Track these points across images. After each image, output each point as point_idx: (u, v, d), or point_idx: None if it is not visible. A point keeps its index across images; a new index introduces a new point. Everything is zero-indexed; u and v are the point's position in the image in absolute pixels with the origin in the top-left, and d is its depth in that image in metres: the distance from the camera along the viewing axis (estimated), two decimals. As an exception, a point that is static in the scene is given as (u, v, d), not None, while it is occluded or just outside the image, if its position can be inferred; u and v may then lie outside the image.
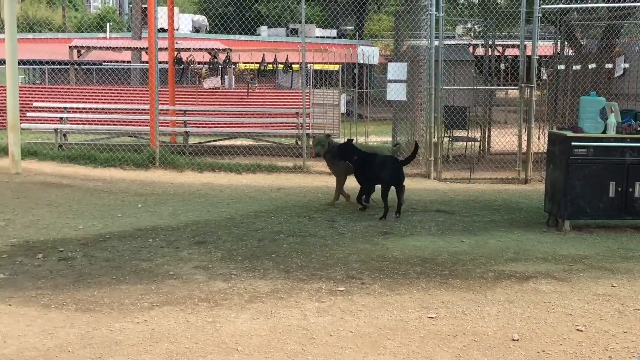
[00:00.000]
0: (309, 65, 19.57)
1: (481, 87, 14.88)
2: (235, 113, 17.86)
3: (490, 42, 15.42)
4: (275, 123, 17.75)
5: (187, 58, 19.62)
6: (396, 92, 12.52)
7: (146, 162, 12.09)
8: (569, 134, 8.10)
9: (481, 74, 16.21)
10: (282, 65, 20.76)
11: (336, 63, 22.73)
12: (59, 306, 5.21)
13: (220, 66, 21.07)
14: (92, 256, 6.58)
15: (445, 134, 13.43)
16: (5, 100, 11.52)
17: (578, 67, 13.73)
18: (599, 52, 14.12)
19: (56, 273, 6.03)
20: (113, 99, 19.86)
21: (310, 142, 10.44)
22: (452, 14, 19.11)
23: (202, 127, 16.78)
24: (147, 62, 16.51)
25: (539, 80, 13.89)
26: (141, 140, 14.55)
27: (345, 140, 9.34)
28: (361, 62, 14.67)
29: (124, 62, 27.39)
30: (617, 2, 13.25)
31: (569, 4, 13.21)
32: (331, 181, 9.64)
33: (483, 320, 5.09)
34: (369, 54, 14.14)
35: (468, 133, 14.22)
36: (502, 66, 15.55)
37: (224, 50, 22.59)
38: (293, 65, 21.28)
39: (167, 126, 15.18)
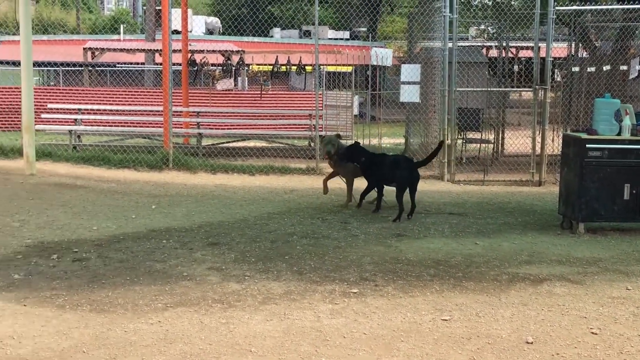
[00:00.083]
0: (322, 67, 19.59)
1: (495, 89, 14.84)
2: (248, 115, 17.91)
3: (503, 44, 15.37)
4: (288, 125, 17.78)
5: (200, 60, 19.71)
6: (409, 94, 12.51)
7: (160, 164, 12.13)
8: (584, 136, 8.06)
9: (495, 76, 16.17)
10: (295, 67, 20.79)
11: (349, 65, 22.73)
12: (73, 307, 5.24)
13: (233, 68, 21.14)
14: (107, 257, 6.60)
15: (459, 136, 13.40)
16: (20, 101, 11.58)
17: (592, 69, 13.68)
18: (613, 54, 14.07)
19: (71, 274, 6.06)
20: (127, 101, 19.99)
21: (320, 142, 10.46)
22: (466, 16, 19.05)
23: (215, 128, 16.84)
24: (160, 64, 16.55)
25: (553, 82, 13.84)
26: (154, 141, 14.60)
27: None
28: (374, 63, 14.68)
29: (137, 63, 27.52)
30: (631, 4, 13.18)
31: (583, 5, 13.17)
32: (344, 183, 9.66)
33: (497, 323, 5.08)
34: (382, 55, 14.15)
35: (481, 135, 14.19)
36: (516, 68, 15.50)
37: (237, 52, 22.66)
38: (306, 67, 21.31)
39: (181, 128, 15.23)
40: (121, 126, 15.53)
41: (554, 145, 12.94)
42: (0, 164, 11.94)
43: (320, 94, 14.60)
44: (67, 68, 26.78)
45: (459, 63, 12.52)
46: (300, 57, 21.34)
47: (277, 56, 21.46)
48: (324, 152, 9.56)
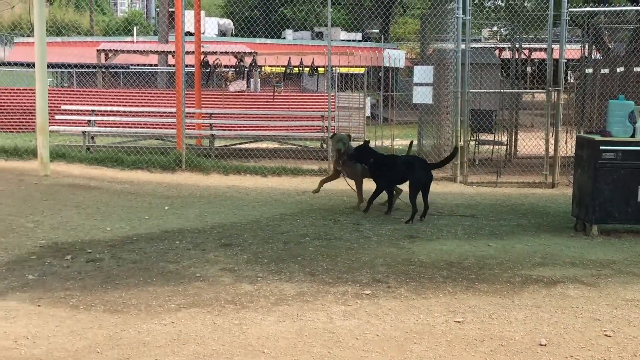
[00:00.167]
0: (334, 68, 19.59)
1: (508, 91, 14.79)
2: (261, 116, 17.93)
3: (516, 46, 15.33)
4: (301, 126, 17.78)
5: (213, 61, 19.75)
6: (422, 96, 12.49)
7: (172, 165, 12.17)
8: (597, 137, 8.03)
9: (508, 78, 16.12)
10: (307, 69, 20.80)
11: (362, 66, 22.73)
12: (87, 307, 5.26)
13: (246, 69, 21.18)
14: (120, 258, 6.63)
15: (472, 138, 13.38)
16: (34, 103, 11.65)
17: (606, 70, 13.61)
18: (627, 56, 13.99)
19: (84, 274, 6.09)
20: (140, 102, 20.05)
21: (331, 139, 10.46)
22: (479, 17, 19.02)
23: (228, 130, 16.87)
24: (173, 66, 16.61)
25: (566, 83, 13.79)
26: (167, 143, 14.65)
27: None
28: (387, 65, 14.67)
29: (150, 65, 27.63)
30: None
31: (596, 7, 13.11)
32: (350, 186, 9.69)
33: (510, 325, 5.06)
34: (394, 57, 14.14)
35: (494, 136, 14.16)
36: (529, 69, 15.45)
37: (250, 53, 22.70)
38: (318, 69, 21.31)
39: (193, 129, 15.27)
40: (134, 127, 15.58)
41: (567, 147, 12.89)
42: (14, 165, 12.02)
43: (332, 96, 14.59)
44: (80, 70, 26.91)
45: (472, 65, 12.50)
46: (313, 59, 21.35)
47: (289, 58, 21.49)
48: (335, 150, 9.58)
